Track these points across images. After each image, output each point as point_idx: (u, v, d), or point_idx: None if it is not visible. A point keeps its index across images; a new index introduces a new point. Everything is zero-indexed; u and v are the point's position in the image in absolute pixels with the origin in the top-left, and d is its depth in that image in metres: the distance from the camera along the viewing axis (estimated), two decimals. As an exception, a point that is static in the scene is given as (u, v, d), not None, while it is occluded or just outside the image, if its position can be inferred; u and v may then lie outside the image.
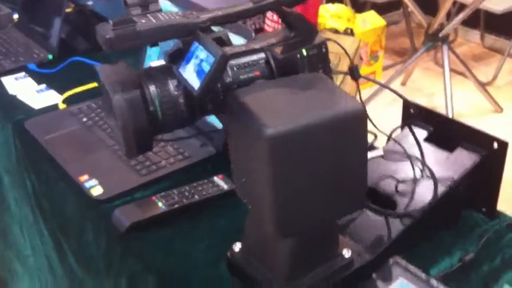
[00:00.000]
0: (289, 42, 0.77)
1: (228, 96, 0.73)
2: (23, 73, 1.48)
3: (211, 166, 1.09)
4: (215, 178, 1.03)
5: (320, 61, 0.78)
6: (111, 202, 1.01)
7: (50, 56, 1.54)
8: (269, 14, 2.98)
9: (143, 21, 0.70)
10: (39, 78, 1.45)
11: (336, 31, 2.81)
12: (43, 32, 1.60)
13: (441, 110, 2.36)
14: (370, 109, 2.93)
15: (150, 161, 1.09)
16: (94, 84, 1.21)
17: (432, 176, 0.91)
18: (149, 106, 0.71)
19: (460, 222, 0.94)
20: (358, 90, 0.88)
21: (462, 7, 2.87)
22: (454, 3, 3.07)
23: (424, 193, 0.89)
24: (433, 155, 0.95)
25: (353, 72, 0.85)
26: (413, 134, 0.94)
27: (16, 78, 1.46)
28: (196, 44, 0.71)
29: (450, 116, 2.31)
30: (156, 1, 0.74)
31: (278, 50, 0.76)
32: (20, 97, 1.38)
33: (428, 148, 0.96)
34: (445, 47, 2.83)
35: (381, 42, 3.08)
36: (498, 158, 0.90)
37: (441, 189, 0.89)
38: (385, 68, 3.20)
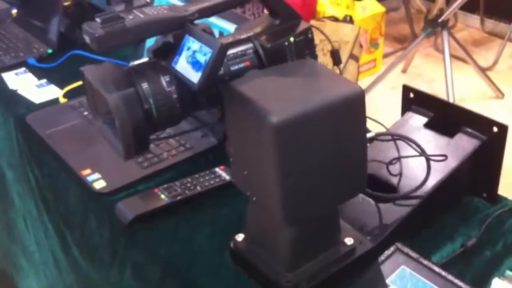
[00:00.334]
0: (275, 30, 0.77)
1: (223, 88, 0.72)
2: (23, 68, 1.48)
3: (212, 157, 1.09)
4: (217, 169, 1.03)
5: (306, 47, 0.78)
6: (114, 195, 1.02)
7: (50, 51, 1.54)
8: (267, 3, 2.93)
9: (131, 17, 0.69)
10: (39, 73, 1.46)
11: (335, 19, 2.81)
12: (42, 27, 1.60)
13: (442, 96, 2.36)
14: (371, 96, 2.94)
15: (152, 153, 1.09)
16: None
17: (431, 162, 0.91)
18: (144, 104, 0.71)
19: (462, 207, 0.94)
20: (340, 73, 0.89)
21: (462, -9, 2.86)
22: (454, -12, 3.06)
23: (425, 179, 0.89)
24: (434, 141, 0.95)
25: (335, 57, 0.85)
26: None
27: (16, 74, 1.46)
28: (188, 37, 0.71)
29: (451, 101, 2.30)
30: None
31: (265, 39, 0.76)
32: (21, 92, 1.38)
33: (428, 133, 0.97)
34: (445, 33, 2.82)
35: (380, 29, 3.07)
36: (498, 142, 0.90)
37: (442, 174, 0.89)
38: (386, 55, 3.20)
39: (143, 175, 1.05)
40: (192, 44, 0.70)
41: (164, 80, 0.72)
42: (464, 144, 0.93)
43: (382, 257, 0.79)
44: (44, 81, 1.42)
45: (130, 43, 0.71)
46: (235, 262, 0.85)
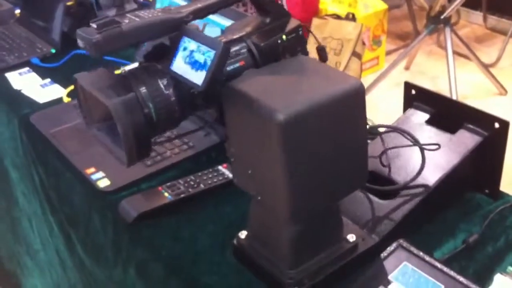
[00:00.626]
0: (266, 28, 0.77)
1: (223, 89, 0.72)
2: (27, 68, 1.49)
3: (215, 155, 1.10)
4: (220, 167, 1.03)
5: (298, 44, 0.79)
6: (118, 193, 1.02)
7: (53, 50, 1.54)
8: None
9: (126, 21, 0.68)
10: (43, 73, 1.46)
11: (337, 17, 2.82)
12: (45, 26, 1.61)
13: (445, 93, 2.36)
14: (374, 94, 2.93)
15: (155, 152, 1.10)
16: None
17: (433, 158, 0.91)
18: (143, 108, 0.70)
19: (464, 203, 0.95)
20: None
21: (464, -12, 2.86)
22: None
23: (427, 175, 0.90)
24: (436, 137, 0.95)
25: (321, 54, 0.85)
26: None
27: (20, 73, 1.47)
28: (185, 39, 0.71)
29: (453, 98, 2.30)
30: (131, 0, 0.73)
31: (257, 38, 0.76)
32: (25, 91, 1.39)
33: (430, 130, 0.97)
34: (447, 30, 2.82)
35: (383, 26, 3.07)
36: (500, 138, 0.91)
37: (444, 170, 0.90)
38: (388, 52, 3.20)
39: (147, 173, 1.06)
40: (190, 45, 0.70)
41: (161, 83, 0.72)
42: (466, 140, 0.93)
43: (384, 253, 0.79)
44: (48, 80, 1.42)
45: (127, 47, 0.70)
46: (238, 259, 0.86)
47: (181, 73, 0.71)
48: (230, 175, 1.01)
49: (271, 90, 0.70)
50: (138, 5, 1.57)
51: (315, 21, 2.81)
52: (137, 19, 0.69)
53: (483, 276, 0.81)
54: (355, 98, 0.71)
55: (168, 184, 1.00)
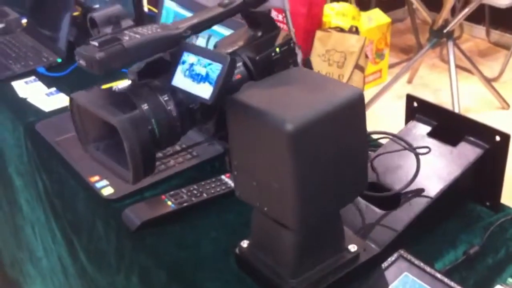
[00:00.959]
0: (258, 42, 0.78)
1: (226, 102, 0.72)
2: (33, 77, 1.50)
3: (218, 164, 1.11)
4: (223, 177, 1.04)
5: (290, 56, 0.80)
6: (121, 201, 1.03)
7: (59, 60, 1.56)
8: (274, 14, 2.99)
9: (127, 38, 0.68)
10: (48, 81, 1.48)
11: (341, 29, 2.83)
12: (51, 36, 1.63)
13: (447, 106, 2.37)
14: (377, 106, 2.94)
15: (159, 161, 1.11)
16: (103, 87, 1.23)
17: (436, 169, 0.92)
18: (147, 125, 0.70)
19: (465, 215, 0.95)
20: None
21: (467, 2, 2.87)
22: (458, -1, 3.08)
23: (428, 186, 0.91)
24: (437, 149, 0.96)
25: (307, 66, 0.86)
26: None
27: (26, 82, 1.48)
28: (186, 53, 0.71)
29: (456, 111, 2.31)
30: (127, 17, 0.73)
31: (251, 51, 0.77)
32: (31, 100, 1.40)
33: (432, 142, 0.98)
34: (450, 43, 2.84)
35: (386, 39, 3.09)
36: (501, 151, 0.91)
37: (445, 182, 0.91)
38: (391, 66, 3.21)
39: (150, 182, 1.07)
40: (192, 59, 0.71)
41: (162, 99, 0.71)
42: (467, 153, 0.94)
43: (385, 264, 0.80)
44: (53, 89, 1.44)
45: (129, 64, 0.70)
46: (240, 268, 0.87)
47: (184, 88, 0.71)
48: (233, 185, 1.02)
49: (275, 101, 0.71)
50: (144, 16, 1.59)
51: (319, 34, 2.82)
52: (137, 36, 0.69)
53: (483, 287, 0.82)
54: (357, 105, 0.72)
55: (172, 192, 1.01)
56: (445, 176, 0.91)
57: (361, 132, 0.75)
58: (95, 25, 0.72)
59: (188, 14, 1.31)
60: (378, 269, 0.80)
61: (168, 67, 0.74)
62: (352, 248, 0.82)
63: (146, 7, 1.70)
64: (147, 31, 0.70)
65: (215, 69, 0.69)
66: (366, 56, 2.89)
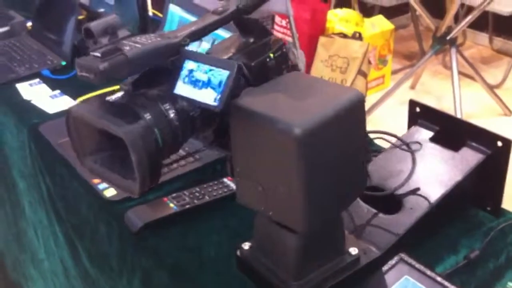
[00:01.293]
0: (252, 48, 0.78)
1: (229, 108, 0.72)
2: (37, 80, 1.51)
3: (220, 167, 1.11)
4: (225, 179, 1.05)
5: (283, 62, 0.80)
6: (124, 203, 1.03)
7: (63, 62, 1.57)
8: (277, 19, 3.00)
9: (127, 48, 0.68)
10: (53, 84, 1.49)
11: (344, 35, 2.84)
12: (56, 39, 1.64)
13: (450, 112, 2.37)
14: (379, 112, 2.94)
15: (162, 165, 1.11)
16: (107, 89, 1.24)
17: (438, 174, 0.92)
18: (152, 135, 0.69)
19: (466, 220, 0.96)
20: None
21: (470, 9, 2.88)
22: (462, 6, 3.08)
23: (430, 191, 0.91)
24: (439, 154, 0.97)
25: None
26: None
27: (30, 84, 1.49)
28: (188, 61, 0.71)
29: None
30: (122, 27, 0.73)
31: (245, 57, 0.77)
32: (35, 102, 1.41)
33: (434, 147, 0.98)
34: (453, 50, 2.84)
35: (389, 46, 3.09)
36: (502, 156, 0.92)
37: (447, 187, 0.91)
38: (394, 72, 3.22)
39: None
40: (194, 67, 0.70)
41: (164, 108, 0.71)
42: (468, 158, 0.94)
43: (386, 267, 0.80)
44: (57, 92, 1.45)
45: (131, 74, 0.69)
46: (241, 270, 0.87)
47: (188, 96, 0.70)
48: (235, 187, 1.02)
49: (280, 106, 0.71)
50: (149, 20, 1.60)
51: (322, 40, 2.83)
52: (137, 45, 0.69)
53: (484, 292, 0.82)
54: (358, 107, 0.73)
55: (174, 195, 1.01)
56: (446, 181, 0.92)
57: (361, 133, 0.76)
58: (91, 36, 0.71)
59: (192, 18, 1.32)
60: (379, 272, 0.80)
61: (162, 76, 0.73)
62: (353, 251, 0.83)
63: (150, 12, 1.71)
64: (146, 41, 0.70)
65: (220, 75, 0.69)
66: (369, 62, 2.89)
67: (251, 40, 0.79)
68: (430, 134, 1.01)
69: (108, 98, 0.72)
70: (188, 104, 0.72)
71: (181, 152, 1.03)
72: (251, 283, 0.85)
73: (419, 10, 3.01)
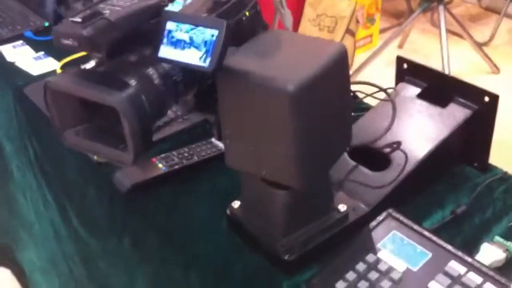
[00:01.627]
0: (226, 7, 0.75)
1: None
2: (20, 41, 1.49)
3: (209, 127, 1.11)
4: (213, 139, 1.05)
5: (257, 20, 0.78)
6: (112, 165, 1.03)
7: (46, 23, 1.54)
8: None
9: (108, 12, 0.65)
10: (36, 46, 1.46)
11: (332, -6, 2.80)
12: (38, 0, 1.60)
13: (437, 70, 2.37)
14: (367, 71, 2.93)
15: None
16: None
17: (425, 130, 0.93)
18: (141, 102, 0.67)
19: (453, 176, 0.96)
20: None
21: (459, -34, 2.85)
22: (451, -37, 3.04)
23: (417, 147, 0.91)
24: (426, 111, 0.97)
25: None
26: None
27: (14, 46, 1.47)
28: (172, 23, 0.68)
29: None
30: None
31: (220, 16, 0.73)
32: (19, 64, 1.39)
33: (421, 103, 0.98)
34: (441, 8, 2.82)
35: (377, 4, 3.06)
36: (489, 111, 0.92)
37: (434, 143, 0.91)
38: (382, 31, 3.19)
39: (141, 145, 1.07)
40: (178, 28, 0.67)
41: (149, 73, 0.69)
42: (455, 114, 0.94)
43: (374, 223, 0.81)
44: (41, 53, 1.42)
45: (115, 39, 0.66)
46: (231, 228, 0.87)
47: (175, 58, 0.67)
48: (223, 148, 1.02)
49: (268, 64, 0.70)
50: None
51: (310, -1, 2.80)
52: (117, 8, 0.66)
53: (471, 245, 0.83)
54: (342, 60, 0.72)
55: (162, 155, 1.01)
56: (434, 137, 0.92)
57: (346, 87, 0.76)
58: (63, 0, 0.69)
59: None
60: (367, 228, 0.81)
61: (135, 41, 0.70)
62: (342, 207, 0.83)
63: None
64: (125, 3, 0.67)
65: (202, 34, 0.66)
66: (357, 21, 2.87)
67: None
68: (418, 90, 1.01)
69: (82, 66, 0.69)
70: (171, 68, 0.70)
71: (170, 113, 1.02)
72: (241, 241, 0.86)
73: (407, -33, 2.97)
